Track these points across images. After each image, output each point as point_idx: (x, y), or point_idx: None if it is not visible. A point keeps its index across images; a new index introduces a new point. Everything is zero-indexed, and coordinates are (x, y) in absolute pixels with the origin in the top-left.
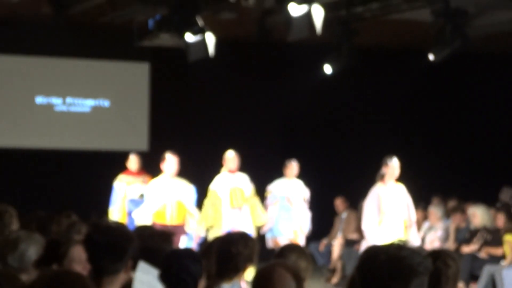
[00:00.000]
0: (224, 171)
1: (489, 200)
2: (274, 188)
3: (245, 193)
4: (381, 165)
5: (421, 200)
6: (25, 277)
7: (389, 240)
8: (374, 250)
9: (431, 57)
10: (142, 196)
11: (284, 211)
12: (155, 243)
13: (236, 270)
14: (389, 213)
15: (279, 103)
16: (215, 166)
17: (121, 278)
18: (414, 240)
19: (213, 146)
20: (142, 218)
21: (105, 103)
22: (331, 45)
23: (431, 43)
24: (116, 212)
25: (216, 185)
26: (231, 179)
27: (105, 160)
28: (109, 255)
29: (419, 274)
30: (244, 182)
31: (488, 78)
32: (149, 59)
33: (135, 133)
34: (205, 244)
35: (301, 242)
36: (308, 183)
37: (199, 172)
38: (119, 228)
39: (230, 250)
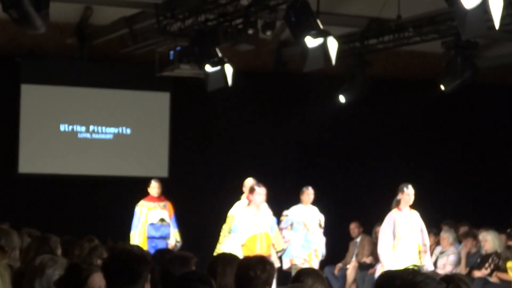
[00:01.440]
0: (243, 198)
1: (500, 226)
2: (290, 213)
3: (271, 235)
4: (397, 192)
5: (433, 226)
6: None
7: (404, 265)
8: (389, 275)
9: (442, 87)
10: (162, 220)
11: (300, 235)
12: (174, 267)
13: None
14: (404, 238)
15: (295, 132)
16: (233, 193)
17: None
18: (428, 265)
19: (231, 174)
20: (232, 249)
21: (127, 130)
22: (345, 76)
23: (442, 74)
24: (137, 236)
25: (236, 210)
26: (254, 215)
27: (126, 186)
28: (124, 278)
29: None
30: (268, 218)
31: (498, 108)
32: (170, 89)
33: (156, 160)
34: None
35: (315, 266)
36: (323, 209)
37: (217, 199)
38: (135, 251)
39: (248, 274)
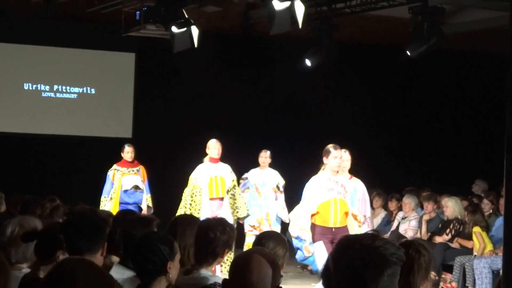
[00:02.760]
0: (206, 160)
1: (462, 193)
2: (249, 176)
3: (227, 184)
4: (323, 154)
5: (396, 191)
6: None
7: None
8: (349, 240)
9: (408, 53)
10: (136, 187)
11: (253, 199)
12: (136, 228)
13: (214, 256)
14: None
15: (260, 95)
16: (197, 155)
17: (98, 259)
18: None
19: (195, 136)
20: (300, 219)
21: (92, 90)
22: (312, 39)
23: (409, 40)
24: (109, 202)
25: (196, 173)
26: (212, 168)
27: (90, 146)
28: (86, 236)
29: (392, 264)
30: (226, 172)
31: (463, 74)
32: (135, 49)
33: (120, 120)
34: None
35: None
36: (288, 172)
37: (181, 161)
38: (96, 211)
39: (208, 235)
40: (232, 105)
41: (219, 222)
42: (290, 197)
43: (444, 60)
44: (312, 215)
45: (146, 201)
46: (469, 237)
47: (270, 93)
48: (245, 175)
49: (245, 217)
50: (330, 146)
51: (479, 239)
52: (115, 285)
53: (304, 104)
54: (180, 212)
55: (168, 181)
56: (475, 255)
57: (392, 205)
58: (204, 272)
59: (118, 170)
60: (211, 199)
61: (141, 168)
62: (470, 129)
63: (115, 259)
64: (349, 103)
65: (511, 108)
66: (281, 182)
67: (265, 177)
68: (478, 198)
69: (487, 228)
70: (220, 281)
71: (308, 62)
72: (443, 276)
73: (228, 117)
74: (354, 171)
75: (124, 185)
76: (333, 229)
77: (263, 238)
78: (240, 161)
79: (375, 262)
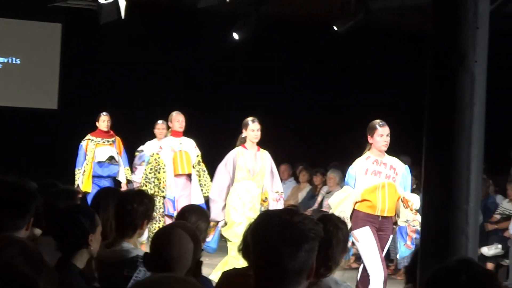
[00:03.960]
0: (168, 133)
1: None
2: (145, 148)
3: (192, 159)
4: (242, 127)
5: (322, 166)
6: None
7: (239, 215)
8: (267, 215)
9: (335, 28)
10: (111, 159)
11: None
12: (59, 201)
13: (134, 228)
14: (245, 182)
15: (187, 67)
16: (122, 128)
17: (22, 234)
18: None
19: (121, 108)
20: (339, 207)
21: (17, 61)
22: (240, 13)
23: (336, 15)
24: (82, 175)
25: (159, 149)
26: (175, 142)
27: (14, 117)
28: (10, 211)
29: (309, 239)
30: (190, 146)
31: (389, 51)
32: (62, 20)
33: (45, 91)
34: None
35: None
36: (209, 145)
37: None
38: (22, 185)
39: (125, 207)
40: (158, 77)
41: (137, 194)
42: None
43: (371, 36)
44: (355, 203)
45: (124, 173)
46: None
47: (197, 66)
48: (141, 147)
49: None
50: (375, 123)
51: None
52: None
53: (230, 78)
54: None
55: None
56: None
57: (317, 179)
58: (126, 245)
59: (92, 140)
60: (177, 175)
61: (117, 139)
62: (395, 105)
63: (38, 231)
64: (276, 77)
65: (431, 84)
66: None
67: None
68: None
69: None
70: (142, 254)
71: (235, 36)
72: None
73: (154, 89)
74: (280, 144)
75: (98, 157)
76: (380, 218)
77: (186, 212)
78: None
79: (293, 237)
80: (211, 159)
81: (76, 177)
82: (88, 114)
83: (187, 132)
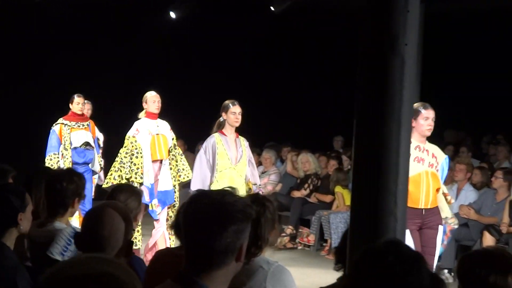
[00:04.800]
0: (142, 115)
1: (321, 148)
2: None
3: (168, 143)
4: (221, 110)
5: (257, 146)
6: None
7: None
8: (200, 194)
9: (272, 8)
10: (87, 144)
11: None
12: None
13: (65, 206)
14: (227, 171)
15: (124, 47)
16: (47, 109)
17: None
18: None
19: (55, 88)
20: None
21: None
22: None
23: None
24: (56, 160)
25: (135, 131)
26: (152, 125)
27: None
28: None
29: (237, 221)
30: (166, 129)
31: (328, 31)
32: None
33: None
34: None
35: None
36: None
37: (31, 115)
38: None
39: (55, 186)
40: (95, 58)
41: (66, 172)
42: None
43: (309, 16)
44: None
45: (97, 160)
46: (327, 192)
47: (134, 45)
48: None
49: (188, 180)
50: (419, 105)
51: (339, 199)
52: None
53: (169, 57)
54: (114, 175)
55: None
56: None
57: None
58: (58, 224)
59: (65, 124)
60: (154, 161)
61: (91, 123)
62: (331, 86)
63: None
64: (213, 57)
65: (361, 67)
66: (101, 137)
67: None
68: (337, 154)
69: (347, 186)
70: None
71: (172, 14)
72: (300, 230)
73: (91, 71)
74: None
75: (74, 142)
76: (423, 211)
77: (114, 192)
78: (105, 117)
79: (221, 217)
80: None
81: (54, 161)
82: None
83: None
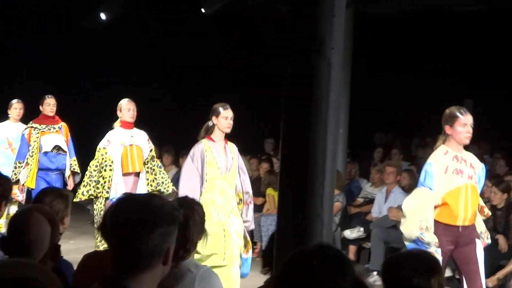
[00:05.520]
0: (117, 125)
1: (252, 151)
2: None
3: (144, 154)
4: (211, 114)
5: (185, 147)
6: None
7: (216, 222)
8: (127, 197)
9: (203, 10)
10: (58, 148)
11: (5, 156)
12: None
13: None
14: (218, 181)
15: (55, 47)
16: None
17: None
18: (250, 220)
19: None
20: (418, 214)
21: None
22: None
23: None
24: (24, 169)
25: (106, 142)
26: (125, 135)
27: None
28: None
29: (164, 224)
30: (143, 140)
31: (258, 33)
32: None
33: None
34: None
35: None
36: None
37: None
38: None
39: None
40: (24, 56)
41: None
42: None
43: (240, 18)
44: (435, 208)
45: (70, 166)
46: (257, 194)
47: (64, 46)
48: None
49: (168, 194)
50: (455, 110)
51: (270, 201)
52: None
53: (99, 58)
54: (82, 191)
55: None
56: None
57: (183, 161)
58: None
59: (35, 128)
60: (125, 174)
61: (64, 126)
62: (262, 88)
63: None
64: (143, 58)
65: (288, 70)
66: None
67: (15, 131)
68: (268, 156)
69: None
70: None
71: (102, 16)
72: None
73: (22, 72)
74: (147, 126)
75: (44, 146)
76: (460, 229)
77: (40, 194)
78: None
79: (148, 220)
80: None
81: (16, 170)
82: None
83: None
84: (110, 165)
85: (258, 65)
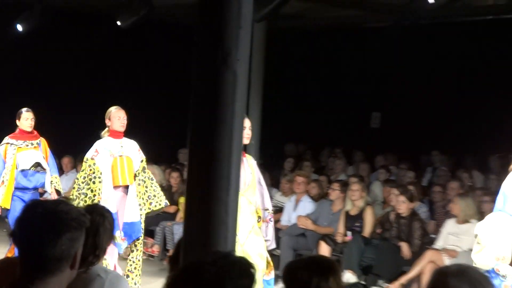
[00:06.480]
0: (105, 134)
1: (167, 161)
2: None
3: (134, 166)
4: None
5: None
6: None
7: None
8: (34, 203)
9: (119, 23)
10: (37, 165)
11: None
12: None
13: None
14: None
15: None
16: None
17: None
18: (271, 239)
19: None
20: (495, 243)
21: None
22: (24, 4)
23: (120, 10)
24: (0, 188)
25: (94, 153)
26: (115, 145)
27: None
28: None
29: (71, 229)
30: (133, 150)
31: (172, 45)
32: None
33: None
34: None
35: None
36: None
37: None
38: None
39: None
40: None
41: None
42: None
43: (154, 30)
44: None
45: (52, 183)
46: (171, 203)
47: None
48: None
49: (161, 208)
50: None
51: (183, 210)
52: None
53: (16, 70)
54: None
55: None
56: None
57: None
58: None
59: (11, 144)
60: (116, 187)
61: (42, 141)
62: (177, 98)
63: None
64: (60, 70)
65: (196, 80)
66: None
67: None
68: (181, 166)
69: None
70: None
71: (19, 27)
72: (145, 241)
73: None
74: (61, 136)
75: (21, 164)
76: None
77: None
78: None
79: (55, 225)
80: None
81: None
82: None
83: None
84: (99, 177)
85: (171, 76)
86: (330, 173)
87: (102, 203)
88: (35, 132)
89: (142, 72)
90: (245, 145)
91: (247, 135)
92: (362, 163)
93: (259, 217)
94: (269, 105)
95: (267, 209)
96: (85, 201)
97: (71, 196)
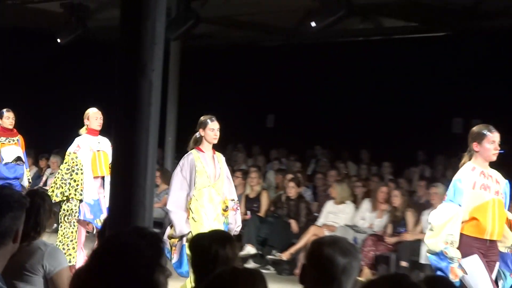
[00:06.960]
0: (83, 132)
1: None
2: None
3: (109, 160)
4: (198, 126)
5: (45, 151)
6: None
7: (208, 226)
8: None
9: (59, 40)
10: (18, 159)
11: None
12: None
13: None
14: (207, 190)
15: None
16: None
17: None
18: (238, 224)
19: None
20: (444, 229)
21: None
22: None
23: (60, 30)
24: None
25: (76, 147)
26: (93, 142)
27: None
28: None
29: (14, 209)
30: (107, 146)
31: (100, 64)
32: None
33: None
34: None
35: None
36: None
37: None
38: None
39: None
40: None
41: None
42: None
43: (89, 49)
44: (463, 223)
45: (26, 175)
46: None
47: None
48: None
49: None
50: (482, 128)
51: None
52: None
53: None
54: (56, 192)
55: None
56: None
57: (43, 163)
58: None
59: None
60: (95, 177)
61: (20, 138)
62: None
63: None
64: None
65: (118, 87)
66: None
67: None
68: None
69: None
70: None
71: None
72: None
73: None
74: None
75: (5, 158)
76: (488, 242)
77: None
78: None
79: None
80: None
81: None
82: None
83: None
84: (81, 169)
85: (107, 87)
86: (233, 164)
87: (84, 192)
88: (15, 130)
89: (83, 84)
90: (214, 144)
91: (215, 136)
92: (259, 155)
93: (226, 206)
94: (185, 109)
95: (233, 200)
96: (69, 189)
97: (52, 185)
